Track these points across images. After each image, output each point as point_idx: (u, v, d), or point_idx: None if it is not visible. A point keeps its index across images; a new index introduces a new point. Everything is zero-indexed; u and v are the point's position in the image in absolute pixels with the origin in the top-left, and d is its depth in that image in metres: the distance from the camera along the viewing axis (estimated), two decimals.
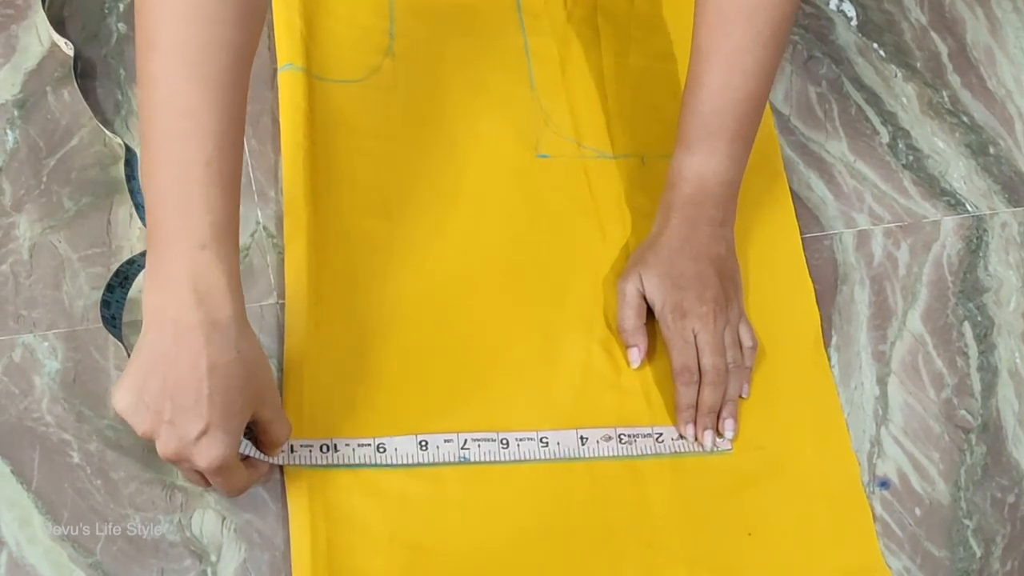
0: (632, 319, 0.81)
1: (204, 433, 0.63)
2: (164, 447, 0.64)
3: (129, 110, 0.84)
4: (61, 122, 0.83)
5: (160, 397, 0.63)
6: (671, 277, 0.79)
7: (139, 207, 0.79)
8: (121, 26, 0.87)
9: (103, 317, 0.74)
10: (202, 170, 0.62)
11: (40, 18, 0.85)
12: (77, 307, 0.77)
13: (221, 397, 0.63)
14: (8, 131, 0.82)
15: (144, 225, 0.77)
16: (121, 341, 0.74)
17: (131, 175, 0.80)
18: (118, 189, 0.80)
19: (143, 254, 0.75)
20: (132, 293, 0.76)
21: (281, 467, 0.73)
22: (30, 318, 0.76)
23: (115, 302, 0.75)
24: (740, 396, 0.80)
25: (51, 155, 0.82)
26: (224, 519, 0.72)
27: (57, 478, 0.72)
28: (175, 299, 0.63)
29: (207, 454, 0.64)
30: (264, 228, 0.81)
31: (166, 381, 0.63)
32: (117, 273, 0.75)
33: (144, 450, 0.72)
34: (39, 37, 0.85)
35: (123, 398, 0.64)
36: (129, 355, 0.73)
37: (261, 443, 0.70)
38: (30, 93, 0.83)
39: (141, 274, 0.76)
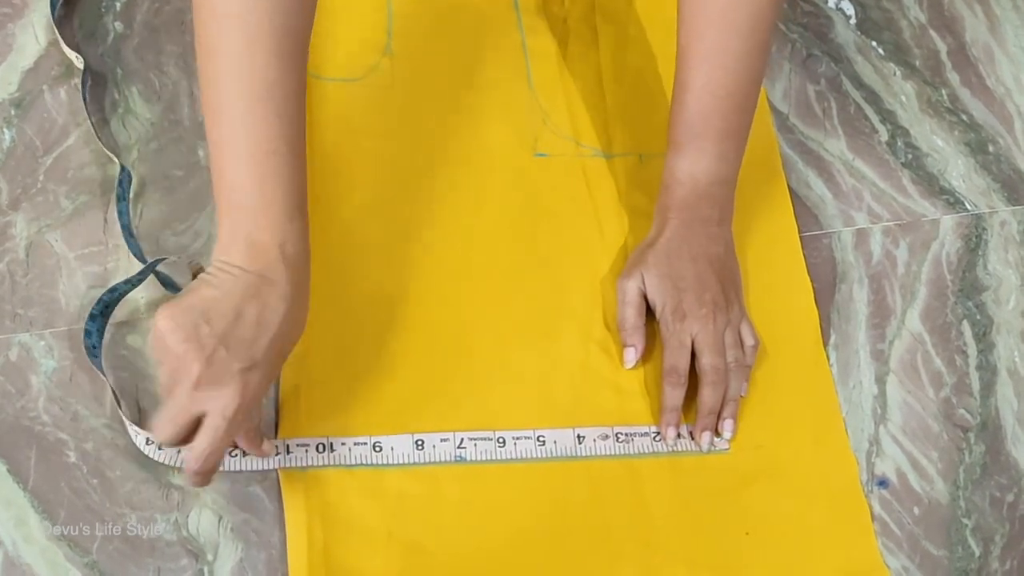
0: (633, 318, 0.80)
1: (248, 369, 0.64)
2: (206, 367, 0.63)
3: (126, 109, 0.84)
4: (58, 121, 0.82)
5: (223, 319, 0.64)
6: (671, 278, 0.79)
7: (125, 228, 0.78)
8: (118, 25, 0.87)
9: (85, 346, 0.74)
10: (286, 147, 0.67)
11: (37, 17, 0.85)
12: (74, 306, 0.76)
13: (278, 347, 0.66)
14: (5, 129, 0.82)
15: (129, 247, 0.77)
16: (101, 370, 0.74)
17: (122, 196, 0.79)
18: (114, 187, 0.80)
19: (126, 282, 0.75)
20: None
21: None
22: (26, 317, 0.76)
23: (96, 331, 0.74)
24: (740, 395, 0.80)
25: (48, 153, 0.81)
26: (221, 518, 0.72)
27: (53, 477, 0.72)
28: (264, 262, 0.66)
29: (240, 391, 0.64)
30: None
31: (234, 314, 0.64)
32: (99, 302, 0.74)
33: (140, 450, 0.72)
34: (36, 36, 0.85)
35: (170, 315, 0.64)
36: (113, 391, 0.73)
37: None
38: (27, 92, 0.83)
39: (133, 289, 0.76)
